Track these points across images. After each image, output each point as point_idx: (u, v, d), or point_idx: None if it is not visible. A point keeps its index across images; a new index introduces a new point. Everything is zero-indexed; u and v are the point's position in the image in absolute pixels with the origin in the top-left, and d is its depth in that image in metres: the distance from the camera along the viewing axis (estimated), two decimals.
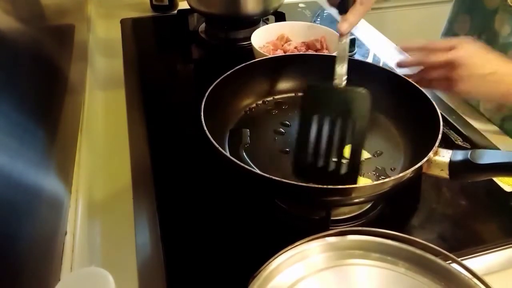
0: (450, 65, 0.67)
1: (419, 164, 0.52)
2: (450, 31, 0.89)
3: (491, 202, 0.63)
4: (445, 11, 0.94)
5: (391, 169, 0.62)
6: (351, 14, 0.61)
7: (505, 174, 0.54)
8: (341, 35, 0.61)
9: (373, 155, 0.64)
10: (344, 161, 0.60)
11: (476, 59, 0.67)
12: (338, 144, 0.56)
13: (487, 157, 0.52)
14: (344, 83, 0.60)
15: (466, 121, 0.79)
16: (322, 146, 0.56)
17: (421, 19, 1.93)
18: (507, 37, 0.74)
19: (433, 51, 0.69)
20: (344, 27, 0.61)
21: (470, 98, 0.79)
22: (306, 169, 0.57)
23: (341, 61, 0.60)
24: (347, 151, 0.63)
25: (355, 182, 0.54)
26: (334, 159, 0.55)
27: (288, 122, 0.71)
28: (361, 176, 0.61)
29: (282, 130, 0.70)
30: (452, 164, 0.53)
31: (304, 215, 0.59)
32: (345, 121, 0.56)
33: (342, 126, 0.56)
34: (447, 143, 0.72)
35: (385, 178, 0.52)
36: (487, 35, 0.78)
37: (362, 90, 0.57)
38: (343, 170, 0.55)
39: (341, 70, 0.60)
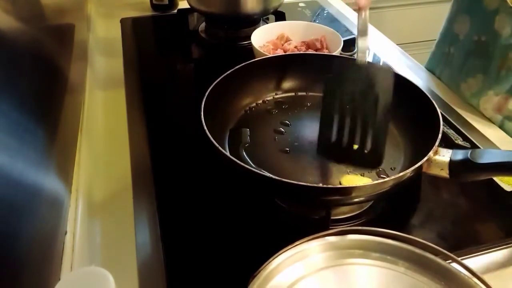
0: None
1: (419, 164, 0.52)
2: (449, 31, 0.89)
3: (491, 201, 0.63)
4: (445, 10, 0.93)
5: (391, 168, 0.62)
6: None
7: (505, 174, 0.55)
8: (360, 9, 0.62)
9: None
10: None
11: None
12: (362, 122, 0.56)
13: (487, 156, 0.52)
14: (367, 57, 0.60)
15: (466, 120, 0.79)
16: (346, 125, 0.57)
17: (421, 18, 1.93)
18: (508, 39, 0.74)
19: None
20: (363, 1, 0.61)
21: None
22: (330, 148, 0.58)
23: (362, 35, 0.61)
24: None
25: (376, 166, 0.55)
26: (358, 139, 0.57)
27: (288, 122, 0.71)
28: (361, 175, 0.61)
29: (282, 130, 0.69)
30: (452, 164, 0.53)
31: (304, 214, 0.59)
32: (368, 98, 0.56)
33: (366, 103, 0.56)
34: (447, 143, 0.72)
35: (385, 178, 0.52)
36: (488, 36, 0.78)
37: (385, 67, 0.57)
38: (367, 148, 0.56)
39: (363, 44, 0.61)
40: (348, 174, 0.61)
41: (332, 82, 0.59)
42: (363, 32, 0.61)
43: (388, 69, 0.57)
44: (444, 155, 0.54)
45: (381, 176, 0.61)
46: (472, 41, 0.81)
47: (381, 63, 0.97)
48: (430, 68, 0.96)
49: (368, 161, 0.58)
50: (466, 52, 0.83)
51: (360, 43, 0.61)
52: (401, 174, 0.51)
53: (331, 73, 0.60)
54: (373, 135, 0.57)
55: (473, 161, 0.51)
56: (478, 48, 0.80)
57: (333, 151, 0.59)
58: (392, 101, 0.69)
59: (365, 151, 0.57)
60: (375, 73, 0.58)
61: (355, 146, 0.57)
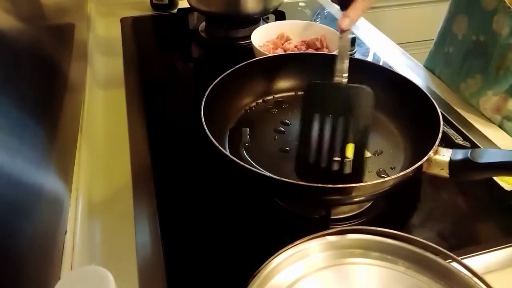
0: None
1: (419, 163, 0.52)
2: (448, 31, 0.88)
3: (491, 201, 0.63)
4: (445, 10, 0.93)
5: (391, 168, 0.62)
6: (352, 10, 0.60)
7: (505, 173, 0.54)
8: (342, 31, 0.61)
9: (373, 154, 0.64)
10: (347, 160, 0.60)
11: None
12: (341, 143, 0.55)
13: (487, 156, 0.52)
14: (345, 80, 0.59)
15: (466, 120, 0.79)
16: (325, 146, 0.56)
17: (421, 17, 1.93)
18: (506, 39, 0.74)
19: None
20: (345, 23, 0.60)
21: None
22: (308, 169, 0.56)
23: (342, 57, 0.60)
24: (349, 150, 0.63)
25: (360, 181, 0.53)
26: (337, 159, 0.55)
27: (288, 121, 0.71)
28: None
29: (282, 129, 0.70)
30: (452, 163, 0.53)
31: (304, 214, 0.59)
32: (347, 119, 0.55)
33: (345, 124, 0.55)
34: (447, 142, 0.72)
35: (385, 177, 0.52)
36: (486, 36, 0.78)
37: (365, 88, 0.56)
38: (347, 169, 0.55)
39: (342, 66, 0.59)
40: None
41: (309, 104, 0.58)
42: (342, 55, 0.60)
43: (367, 90, 0.56)
44: (444, 155, 0.54)
45: (381, 175, 0.61)
46: (470, 41, 0.81)
47: (381, 62, 0.97)
48: (429, 67, 0.96)
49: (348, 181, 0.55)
50: (465, 52, 0.83)
51: (338, 66, 0.59)
52: (401, 174, 0.51)
53: (307, 97, 0.59)
54: (353, 156, 0.55)
55: (473, 161, 0.51)
56: (477, 48, 0.80)
57: (312, 173, 0.57)
58: (393, 100, 0.69)
59: (345, 173, 0.55)
60: (354, 94, 0.57)
61: (335, 167, 0.56)
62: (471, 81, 0.82)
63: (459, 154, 0.53)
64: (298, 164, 0.57)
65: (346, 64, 0.60)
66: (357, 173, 0.54)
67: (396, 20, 1.92)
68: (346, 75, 0.59)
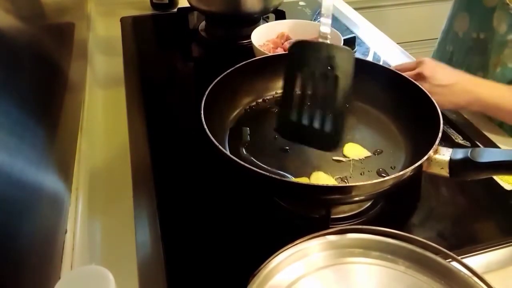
0: (420, 78, 0.71)
1: (419, 163, 0.52)
2: (450, 29, 0.89)
3: (491, 200, 0.63)
4: (445, 9, 0.93)
5: (391, 167, 0.62)
6: None
7: (505, 173, 0.54)
8: None
9: (374, 154, 0.64)
10: (344, 159, 0.61)
11: (437, 74, 0.72)
12: (322, 102, 0.56)
13: (487, 155, 0.52)
14: (327, 41, 0.59)
15: (467, 119, 0.79)
16: (306, 105, 0.57)
17: (421, 17, 1.93)
18: (504, 35, 0.74)
19: (402, 71, 0.72)
20: None
21: (445, 108, 0.79)
22: (289, 127, 0.58)
23: (325, 18, 0.60)
24: (347, 149, 0.64)
25: (336, 146, 0.55)
26: (318, 119, 0.56)
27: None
28: (361, 174, 0.61)
29: None
30: (452, 163, 0.53)
31: (304, 213, 0.59)
32: (329, 78, 0.56)
33: (326, 83, 0.56)
34: (448, 142, 0.72)
35: (385, 177, 0.52)
36: (486, 33, 0.78)
37: (346, 48, 0.57)
38: (327, 128, 0.56)
39: (325, 29, 0.60)
40: (350, 176, 0.61)
41: (292, 63, 0.59)
42: (326, 15, 0.61)
43: (348, 50, 0.56)
44: (444, 154, 0.54)
45: (381, 175, 0.61)
46: (471, 39, 0.81)
47: (381, 62, 0.97)
48: None
49: (328, 142, 0.57)
50: (466, 50, 0.83)
51: (322, 28, 0.60)
52: (401, 173, 0.51)
53: (291, 56, 0.59)
54: (332, 116, 0.56)
55: (473, 160, 0.51)
56: (477, 45, 0.80)
57: (294, 132, 0.59)
58: (393, 100, 0.69)
59: (325, 132, 0.56)
60: (336, 53, 0.57)
61: (316, 126, 0.57)
62: None
63: (459, 154, 0.53)
64: (280, 121, 0.58)
65: (329, 25, 0.60)
66: (337, 133, 0.55)
67: (396, 19, 1.92)
68: (330, 37, 0.59)
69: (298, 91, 0.58)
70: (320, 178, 0.59)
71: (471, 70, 0.82)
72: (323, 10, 0.61)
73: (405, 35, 1.92)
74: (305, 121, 0.57)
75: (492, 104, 0.72)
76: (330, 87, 0.56)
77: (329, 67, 0.56)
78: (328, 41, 0.59)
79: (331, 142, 0.57)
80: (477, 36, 0.80)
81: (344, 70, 0.56)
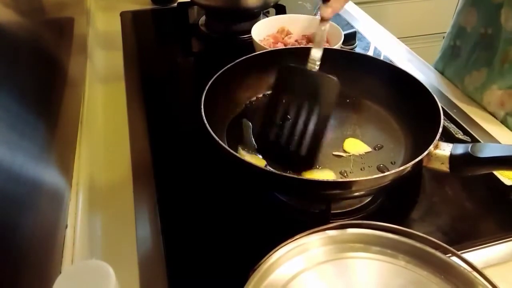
0: None
1: (419, 158, 0.52)
2: (458, 24, 0.88)
3: (491, 195, 0.63)
4: (445, 4, 0.93)
5: (391, 162, 0.62)
6: (335, 1, 0.61)
7: (505, 168, 0.54)
8: (322, 20, 0.62)
9: (374, 149, 0.64)
10: (345, 155, 0.61)
11: None
12: (302, 125, 0.59)
13: (487, 150, 0.51)
14: (317, 67, 0.62)
15: (467, 114, 0.79)
16: (287, 126, 0.60)
17: (421, 12, 1.92)
18: (511, 32, 0.73)
19: None
20: (327, 12, 0.62)
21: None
22: (267, 144, 0.61)
23: (317, 46, 0.62)
24: (347, 144, 0.64)
25: (311, 166, 0.58)
26: (296, 140, 0.59)
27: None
28: (361, 169, 0.61)
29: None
30: (452, 158, 0.53)
31: (304, 208, 0.59)
32: (311, 105, 0.59)
33: (308, 108, 0.59)
34: (448, 137, 0.72)
35: (384, 171, 0.52)
36: (494, 29, 0.77)
37: (332, 78, 0.59)
38: (303, 151, 0.58)
39: (316, 54, 0.62)
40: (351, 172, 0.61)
41: (279, 85, 0.62)
42: (318, 44, 0.62)
43: (334, 80, 0.59)
44: (444, 149, 0.54)
45: (382, 170, 0.61)
46: (478, 34, 0.81)
47: (381, 57, 0.97)
48: (439, 62, 0.95)
49: (301, 164, 0.60)
50: (473, 45, 0.83)
51: (313, 53, 0.62)
52: (401, 168, 0.51)
53: (279, 79, 0.63)
54: (309, 140, 0.59)
55: (473, 155, 0.51)
56: (484, 41, 0.80)
57: (270, 150, 0.62)
58: (393, 95, 0.69)
59: (301, 154, 0.59)
60: (322, 82, 0.60)
61: (292, 148, 0.60)
62: (476, 74, 0.82)
63: (460, 149, 0.53)
64: (259, 137, 0.62)
65: (320, 53, 0.62)
66: (311, 157, 0.58)
67: (397, 14, 1.91)
68: (319, 63, 0.62)
69: (280, 112, 0.61)
70: (320, 173, 0.59)
71: (476, 65, 0.82)
72: (315, 38, 0.63)
73: (406, 30, 1.91)
74: (282, 142, 0.60)
75: None
76: (312, 113, 0.59)
77: (313, 95, 0.59)
78: (317, 67, 0.62)
79: (304, 164, 0.59)
80: (484, 32, 0.79)
81: (327, 99, 0.59)
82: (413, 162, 0.51)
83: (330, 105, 0.59)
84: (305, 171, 0.60)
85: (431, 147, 0.53)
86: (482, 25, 0.80)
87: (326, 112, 0.59)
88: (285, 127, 0.60)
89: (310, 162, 0.59)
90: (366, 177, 0.50)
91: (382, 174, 0.51)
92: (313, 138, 0.59)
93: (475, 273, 0.42)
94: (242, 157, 0.55)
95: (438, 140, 0.54)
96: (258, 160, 0.61)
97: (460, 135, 0.73)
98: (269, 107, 0.61)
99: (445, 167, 0.54)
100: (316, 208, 0.58)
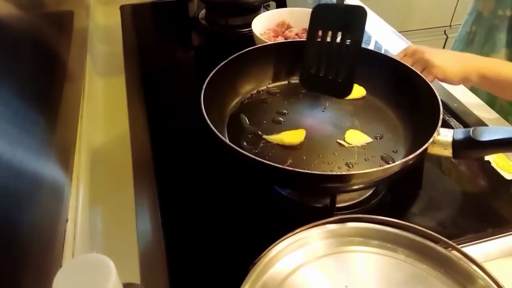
0: (418, 56, 0.74)
1: (425, 146, 0.51)
2: (474, 10, 0.88)
3: (491, 190, 0.63)
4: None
5: (393, 151, 0.61)
6: None
7: (506, 150, 0.54)
8: None
9: (375, 138, 0.64)
10: (347, 145, 0.61)
11: (433, 49, 0.74)
12: (336, 55, 0.64)
13: (488, 134, 0.51)
14: (345, 1, 0.65)
15: (467, 108, 0.79)
16: (324, 58, 0.65)
17: (422, 6, 1.92)
18: None
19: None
20: None
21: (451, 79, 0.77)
22: (310, 78, 0.67)
23: None
24: (348, 136, 0.63)
25: (348, 92, 0.63)
26: (333, 68, 0.64)
27: (286, 111, 0.70)
28: (366, 160, 0.60)
29: (281, 119, 0.69)
30: (455, 143, 0.53)
31: (304, 202, 0.59)
32: (344, 34, 0.63)
33: (342, 39, 0.63)
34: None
35: (388, 160, 0.51)
36: None
37: (360, 5, 0.62)
38: (340, 77, 0.63)
39: None
40: (350, 164, 0.61)
41: (314, 22, 0.66)
42: None
43: (361, 7, 0.62)
44: (446, 135, 0.54)
45: (386, 160, 0.60)
46: (496, 16, 0.81)
47: (382, 50, 0.96)
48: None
49: (342, 88, 0.64)
50: (489, 28, 0.82)
51: None
52: (408, 158, 0.50)
53: (313, 16, 0.66)
54: (345, 67, 0.64)
55: (475, 139, 0.51)
56: (503, 23, 0.80)
57: (313, 83, 0.68)
58: (393, 88, 0.69)
59: (339, 81, 0.64)
60: (351, 11, 0.63)
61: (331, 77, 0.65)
62: (496, 56, 0.81)
63: (461, 134, 0.53)
64: (302, 73, 0.68)
65: None
66: (349, 82, 0.63)
67: (398, 8, 1.90)
68: None
69: (317, 46, 0.66)
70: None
71: (495, 48, 0.82)
72: None
73: (407, 24, 1.91)
74: (322, 73, 0.65)
75: (492, 70, 0.71)
76: (344, 41, 0.63)
77: (344, 26, 0.63)
78: (346, 1, 0.65)
79: (344, 89, 0.64)
80: (503, 13, 0.79)
81: (356, 25, 0.61)
82: (419, 151, 0.51)
83: (360, 30, 0.61)
84: (347, 93, 0.64)
85: (435, 134, 0.53)
86: (500, 7, 0.80)
87: (357, 37, 0.62)
88: (322, 59, 0.65)
89: (348, 87, 0.63)
90: (375, 168, 0.50)
91: (388, 166, 0.50)
92: (348, 64, 0.63)
93: (474, 267, 0.42)
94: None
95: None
96: (296, 134, 0.64)
97: (459, 128, 0.72)
98: (308, 44, 0.66)
99: (448, 153, 0.54)
100: (318, 203, 0.58)
